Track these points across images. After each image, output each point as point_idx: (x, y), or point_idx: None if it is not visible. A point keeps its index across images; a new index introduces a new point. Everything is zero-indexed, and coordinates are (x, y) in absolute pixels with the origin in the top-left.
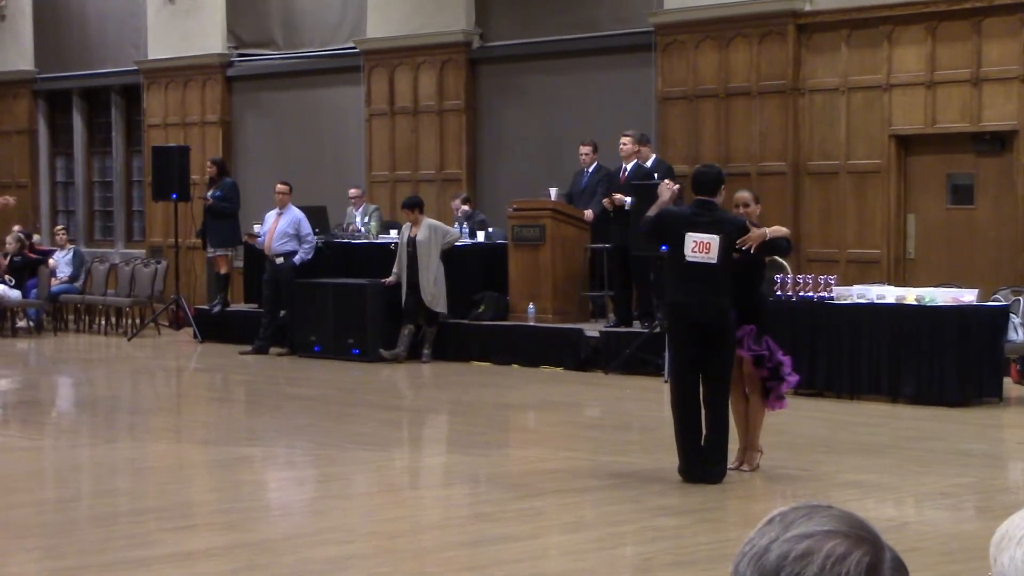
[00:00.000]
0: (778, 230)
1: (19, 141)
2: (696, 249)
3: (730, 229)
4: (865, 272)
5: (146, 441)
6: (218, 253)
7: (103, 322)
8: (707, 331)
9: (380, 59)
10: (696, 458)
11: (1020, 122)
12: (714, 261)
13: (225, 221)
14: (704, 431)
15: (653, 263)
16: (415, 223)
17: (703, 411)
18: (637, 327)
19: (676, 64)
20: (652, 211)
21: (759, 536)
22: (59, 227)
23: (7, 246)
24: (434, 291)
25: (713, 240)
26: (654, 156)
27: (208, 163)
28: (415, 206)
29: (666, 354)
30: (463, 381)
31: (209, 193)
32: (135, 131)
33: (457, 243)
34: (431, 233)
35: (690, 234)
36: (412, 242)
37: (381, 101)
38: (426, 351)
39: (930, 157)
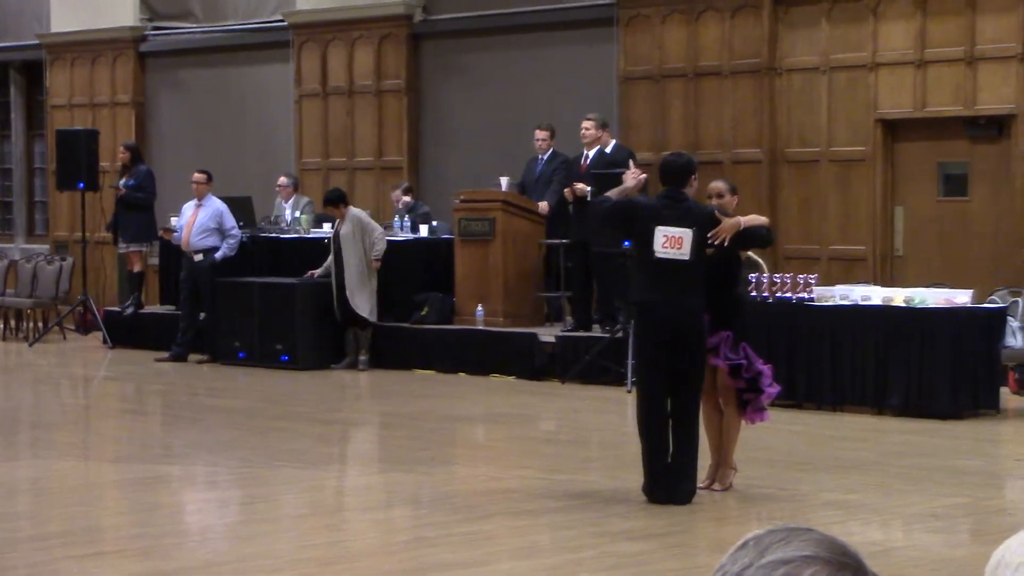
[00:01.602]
0: (755, 219)
1: None
2: (667, 244)
3: (702, 221)
4: (849, 271)
5: (50, 458)
6: (131, 249)
7: (1, 326)
8: (679, 335)
9: (311, 34)
10: (663, 476)
11: (1018, 105)
12: (687, 257)
13: (139, 213)
14: (672, 447)
15: (616, 260)
16: (340, 218)
17: (671, 425)
18: (597, 331)
19: (640, 40)
20: (613, 194)
21: (731, 562)
22: None
23: None
24: (359, 293)
25: (685, 234)
26: (614, 141)
27: (120, 148)
28: (337, 201)
29: (629, 361)
30: (404, 391)
31: (121, 182)
32: (37, 113)
33: (397, 239)
34: (353, 226)
35: (660, 228)
36: (338, 238)
37: (312, 80)
38: (362, 358)
39: (920, 144)
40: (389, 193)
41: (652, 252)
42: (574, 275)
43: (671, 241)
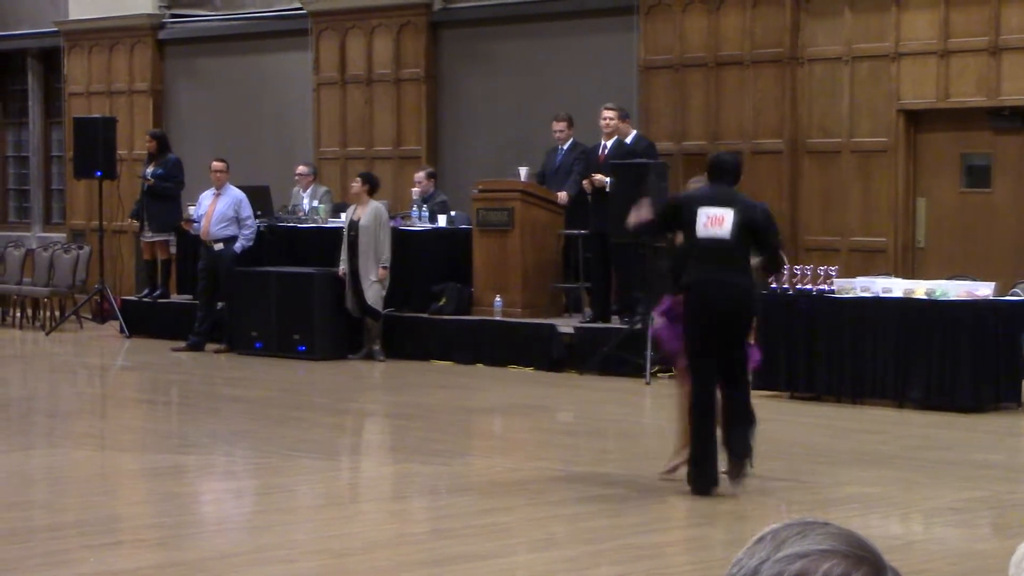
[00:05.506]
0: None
1: None
2: (708, 224)
3: (746, 205)
4: (870, 262)
5: (66, 448)
6: (158, 238)
7: (18, 314)
8: (726, 316)
9: (330, 21)
10: (711, 466)
11: None
12: (727, 236)
13: (167, 203)
14: (729, 427)
15: (636, 251)
16: (361, 203)
17: (726, 407)
18: (616, 323)
19: (661, 29)
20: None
21: (748, 556)
22: None
23: None
24: (374, 284)
25: (727, 213)
26: (634, 132)
27: (147, 137)
28: (366, 181)
29: (647, 353)
30: (421, 382)
31: (148, 171)
32: (54, 100)
33: (415, 228)
34: (373, 219)
35: (702, 209)
36: (355, 226)
37: (331, 68)
38: (376, 348)
39: (942, 134)
40: (407, 183)
41: (696, 233)
42: (593, 266)
43: (712, 220)
